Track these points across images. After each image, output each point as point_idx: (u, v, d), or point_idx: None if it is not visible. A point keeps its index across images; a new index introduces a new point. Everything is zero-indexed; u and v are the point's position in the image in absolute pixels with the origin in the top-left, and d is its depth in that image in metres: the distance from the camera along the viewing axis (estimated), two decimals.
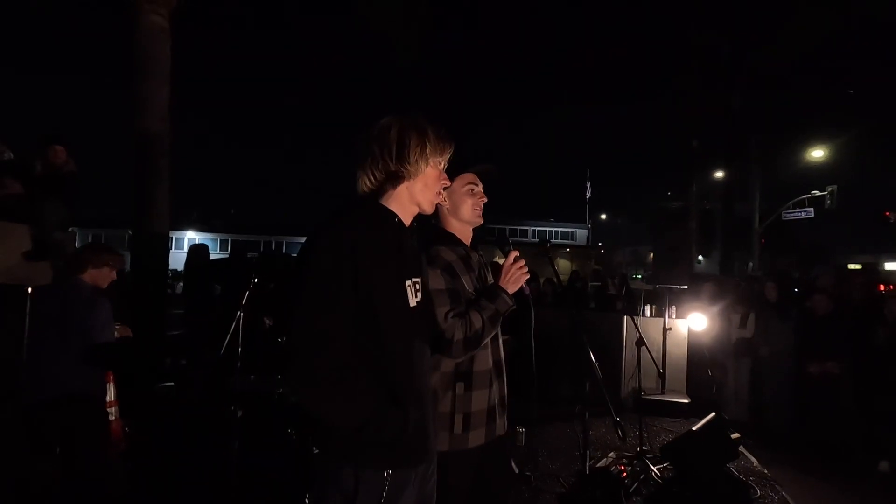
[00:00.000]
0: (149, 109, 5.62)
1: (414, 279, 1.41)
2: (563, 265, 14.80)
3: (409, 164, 1.38)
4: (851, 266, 18.36)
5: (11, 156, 4.41)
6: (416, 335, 1.39)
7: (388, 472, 1.27)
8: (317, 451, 1.31)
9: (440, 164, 1.46)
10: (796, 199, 16.47)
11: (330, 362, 1.21)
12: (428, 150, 1.40)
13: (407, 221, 1.44)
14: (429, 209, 1.47)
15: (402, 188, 1.41)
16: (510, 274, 1.71)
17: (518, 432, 4.21)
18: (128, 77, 5.66)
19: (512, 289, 1.71)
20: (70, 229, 4.57)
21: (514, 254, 1.75)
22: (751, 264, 17.29)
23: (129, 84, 5.65)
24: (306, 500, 2.58)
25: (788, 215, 16.76)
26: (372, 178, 1.40)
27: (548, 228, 48.96)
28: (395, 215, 1.41)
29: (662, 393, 5.38)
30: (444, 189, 1.53)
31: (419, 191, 1.42)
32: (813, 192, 15.90)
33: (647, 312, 6.07)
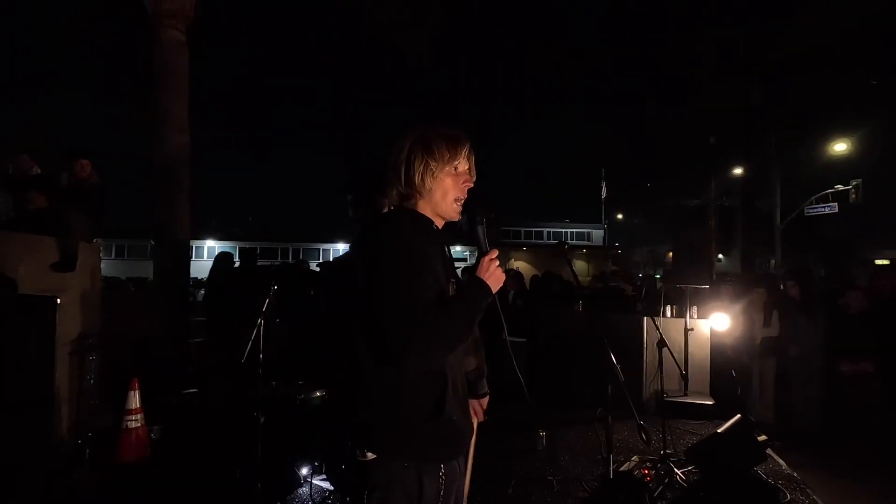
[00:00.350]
0: (169, 121, 5.75)
1: (453, 280, 1.46)
2: (580, 266, 14.69)
3: (415, 184, 1.43)
4: (878, 261, 17.85)
5: (39, 171, 4.55)
6: None
7: (442, 467, 1.34)
8: (370, 453, 1.32)
9: (456, 167, 1.45)
10: (819, 194, 16.08)
11: (418, 335, 1.24)
12: (433, 166, 1.43)
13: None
14: (452, 216, 1.48)
15: (422, 204, 1.46)
16: (489, 270, 1.62)
17: (539, 436, 4.18)
18: (148, 90, 5.81)
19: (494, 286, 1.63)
20: (95, 240, 4.68)
21: (494, 252, 1.64)
22: (773, 261, 16.93)
23: (150, 97, 5.79)
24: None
25: (811, 210, 16.38)
26: (392, 201, 1.49)
27: (564, 230, 48.57)
28: (431, 221, 1.47)
29: (685, 395, 5.30)
30: (468, 189, 1.50)
31: (438, 202, 1.45)
32: (837, 186, 15.51)
33: (668, 313, 5.98)
